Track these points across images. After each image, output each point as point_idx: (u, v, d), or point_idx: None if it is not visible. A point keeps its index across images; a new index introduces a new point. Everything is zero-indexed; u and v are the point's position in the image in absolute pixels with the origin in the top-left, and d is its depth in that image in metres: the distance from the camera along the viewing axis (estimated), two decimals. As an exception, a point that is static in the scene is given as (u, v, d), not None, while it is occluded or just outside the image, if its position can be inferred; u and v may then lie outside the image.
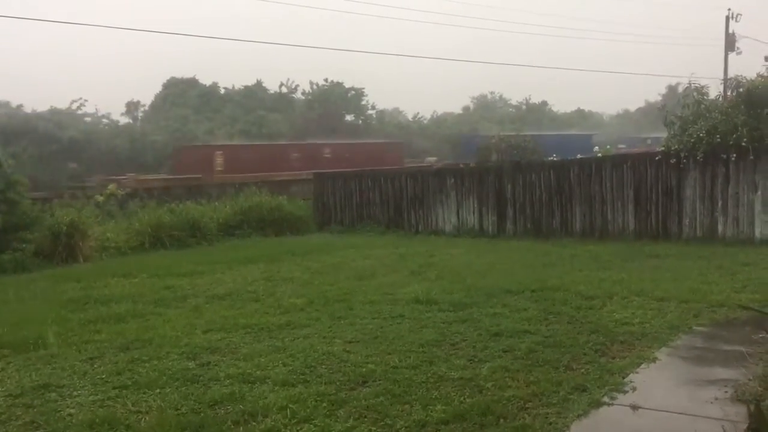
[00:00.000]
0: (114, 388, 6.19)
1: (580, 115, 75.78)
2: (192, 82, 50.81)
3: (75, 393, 6.12)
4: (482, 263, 12.53)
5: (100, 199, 19.13)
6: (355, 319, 8.44)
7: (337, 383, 6.07)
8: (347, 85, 52.13)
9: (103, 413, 5.55)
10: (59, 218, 14.94)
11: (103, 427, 5.29)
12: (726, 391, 5.62)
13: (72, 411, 5.69)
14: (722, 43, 40.99)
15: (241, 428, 5.21)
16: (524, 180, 16.81)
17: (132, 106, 49.65)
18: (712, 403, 5.41)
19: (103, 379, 6.47)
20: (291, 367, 6.54)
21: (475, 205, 17.53)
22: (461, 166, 22.12)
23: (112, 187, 19.55)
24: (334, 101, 50.94)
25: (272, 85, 51.87)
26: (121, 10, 72.81)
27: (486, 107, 73.97)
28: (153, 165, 35.60)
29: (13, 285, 11.99)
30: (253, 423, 5.28)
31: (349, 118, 52.27)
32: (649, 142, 42.50)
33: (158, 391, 6.07)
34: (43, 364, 7.01)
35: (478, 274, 11.20)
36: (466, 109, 71.87)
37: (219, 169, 30.46)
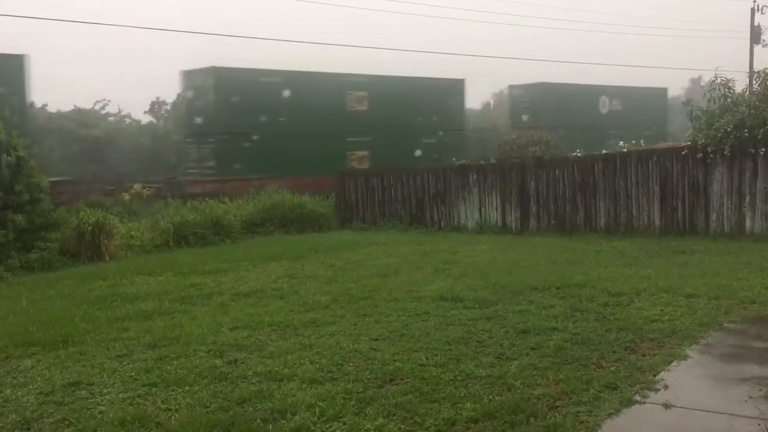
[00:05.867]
0: (143, 385, 6.24)
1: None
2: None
3: (105, 390, 6.17)
4: (506, 260, 12.45)
5: (127, 198, 19.31)
6: (380, 316, 8.43)
7: (365, 381, 6.06)
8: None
9: (133, 411, 5.59)
10: (84, 218, 15.09)
11: (134, 424, 5.32)
12: (760, 389, 5.54)
13: (103, 409, 5.73)
14: (747, 35, 40.37)
15: (271, 426, 5.21)
16: (547, 176, 16.68)
17: (155, 105, 49.91)
18: (746, 401, 5.32)
19: (132, 376, 6.52)
20: (318, 365, 6.54)
21: (498, 202, 17.43)
22: (482, 162, 22.03)
23: (137, 186, 19.71)
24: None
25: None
26: (143, 7, 73.21)
27: (505, 104, 73.31)
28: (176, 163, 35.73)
29: (40, 283, 12.15)
30: (283, 421, 5.28)
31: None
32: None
33: (187, 388, 6.09)
34: (72, 362, 7.07)
35: (502, 271, 11.13)
36: (486, 105, 71.27)
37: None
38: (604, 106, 38.60)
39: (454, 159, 29.19)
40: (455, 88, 32.16)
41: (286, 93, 25.79)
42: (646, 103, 39.83)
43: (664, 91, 43.58)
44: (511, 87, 38.83)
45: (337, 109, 26.96)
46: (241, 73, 25.37)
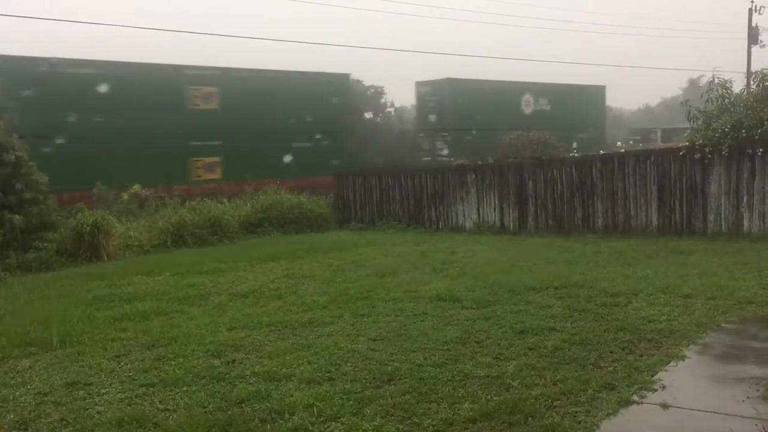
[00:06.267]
0: (141, 386, 6.24)
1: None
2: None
3: (103, 391, 6.17)
4: (504, 260, 12.46)
5: (125, 198, 19.28)
6: (378, 316, 8.43)
7: (363, 381, 6.06)
8: (367, 83, 52.03)
9: (131, 411, 5.59)
10: (82, 218, 15.08)
11: (131, 425, 5.32)
12: (757, 390, 5.54)
13: (100, 409, 5.73)
14: (745, 36, 40.45)
15: (269, 426, 5.21)
16: (545, 176, 16.70)
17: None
18: (743, 401, 5.33)
19: (130, 376, 6.52)
20: (316, 365, 6.54)
21: (496, 202, 17.44)
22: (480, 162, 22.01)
23: (136, 186, 19.65)
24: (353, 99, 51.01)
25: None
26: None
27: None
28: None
29: (38, 283, 12.15)
30: (281, 421, 5.28)
31: (368, 115, 52.19)
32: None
33: (185, 388, 6.10)
34: (70, 362, 7.08)
35: (500, 271, 11.14)
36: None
37: None
38: (528, 105, 35.05)
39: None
40: (338, 84, 28.08)
41: (104, 88, 21.21)
42: (580, 103, 36.30)
43: (602, 89, 40.01)
44: (417, 84, 34.54)
45: (175, 107, 22.88)
46: (33, 63, 20.74)
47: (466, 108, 32.07)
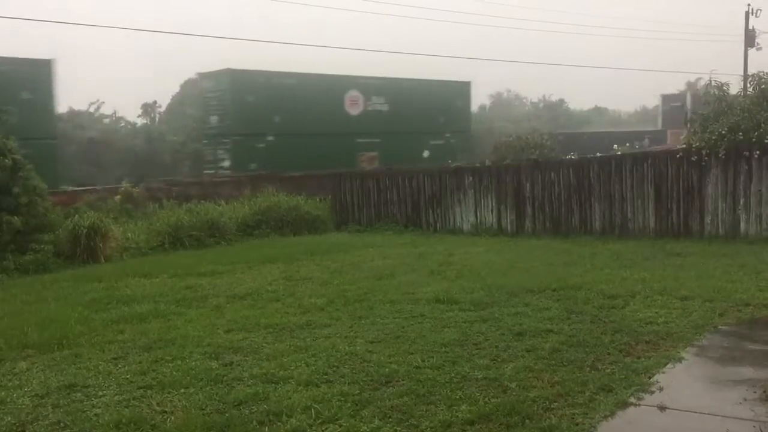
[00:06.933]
0: (139, 388, 6.24)
1: (598, 113, 75.19)
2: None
3: (100, 393, 6.17)
4: (502, 262, 12.47)
5: (118, 198, 19.24)
6: (376, 318, 8.43)
7: (361, 383, 6.07)
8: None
9: (128, 413, 5.59)
10: (79, 220, 15.06)
11: (129, 427, 5.33)
12: (755, 392, 5.56)
13: (98, 411, 5.73)
14: (741, 39, 40.55)
15: (267, 428, 5.22)
16: (543, 178, 16.72)
17: (148, 107, 49.70)
18: (740, 403, 5.35)
19: (127, 379, 6.52)
20: (314, 367, 6.55)
21: (494, 204, 17.45)
22: (478, 164, 22.00)
23: (127, 185, 19.55)
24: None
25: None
26: (137, 10, 72.89)
27: (502, 106, 73.53)
28: (170, 165, 35.42)
29: (35, 285, 12.12)
30: (278, 423, 5.29)
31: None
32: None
33: (182, 390, 6.10)
34: (68, 364, 7.06)
35: (498, 273, 11.15)
36: (482, 107, 71.03)
37: None
38: (355, 104, 28.02)
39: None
40: (33, 76, 20.34)
41: None
42: (436, 103, 29.60)
43: (467, 86, 32.32)
44: (200, 76, 28.13)
45: None
46: None
47: (257, 107, 25.45)
